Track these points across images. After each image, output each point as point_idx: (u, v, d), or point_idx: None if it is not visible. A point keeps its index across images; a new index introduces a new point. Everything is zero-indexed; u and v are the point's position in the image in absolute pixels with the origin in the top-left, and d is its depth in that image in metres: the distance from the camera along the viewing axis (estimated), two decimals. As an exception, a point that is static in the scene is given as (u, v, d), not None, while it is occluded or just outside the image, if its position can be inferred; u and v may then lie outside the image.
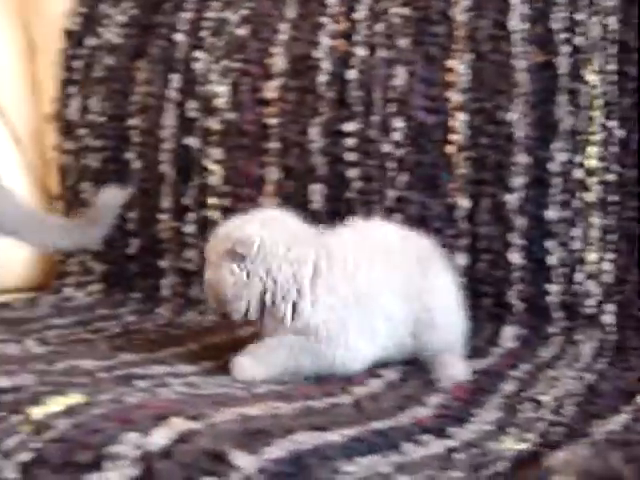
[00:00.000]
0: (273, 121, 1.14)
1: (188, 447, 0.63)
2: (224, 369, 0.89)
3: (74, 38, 1.27)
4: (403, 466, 0.65)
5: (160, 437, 0.64)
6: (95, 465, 0.62)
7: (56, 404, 0.70)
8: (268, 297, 0.86)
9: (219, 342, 1.01)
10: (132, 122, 1.21)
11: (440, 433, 0.74)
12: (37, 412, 0.68)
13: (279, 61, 1.15)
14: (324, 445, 0.65)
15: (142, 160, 1.20)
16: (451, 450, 0.71)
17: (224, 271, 0.85)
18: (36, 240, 1.09)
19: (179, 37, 1.21)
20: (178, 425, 0.66)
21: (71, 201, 1.24)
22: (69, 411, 0.69)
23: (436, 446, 0.71)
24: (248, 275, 0.85)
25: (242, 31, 1.18)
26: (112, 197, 1.08)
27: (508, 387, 0.87)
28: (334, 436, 0.68)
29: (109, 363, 0.90)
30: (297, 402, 0.79)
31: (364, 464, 0.64)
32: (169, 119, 1.19)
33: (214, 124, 1.17)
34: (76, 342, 0.98)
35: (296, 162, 1.12)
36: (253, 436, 0.65)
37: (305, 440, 0.66)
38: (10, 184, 1.14)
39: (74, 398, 0.71)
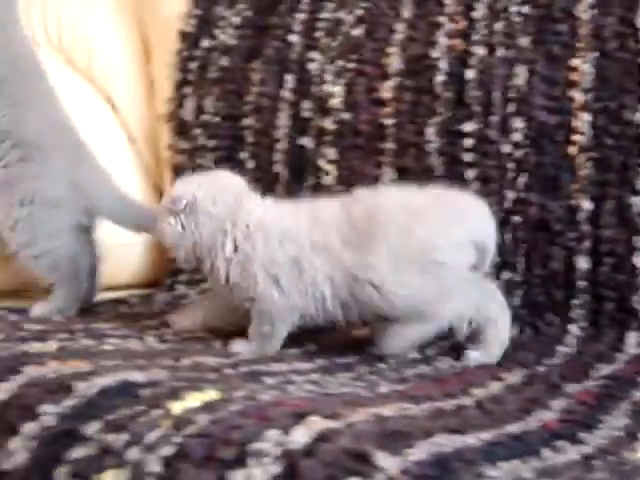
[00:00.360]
0: (389, 121, 1.14)
1: (330, 446, 0.63)
2: (342, 367, 0.91)
3: (189, 39, 1.29)
4: (545, 472, 0.64)
5: (301, 435, 0.64)
6: (238, 461, 0.63)
7: (194, 399, 0.71)
8: (198, 250, 0.97)
9: (334, 341, 1.02)
10: (246, 122, 1.22)
11: (572, 439, 0.73)
12: (176, 407, 0.70)
13: (395, 61, 1.15)
14: (465, 448, 0.64)
15: (256, 160, 1.21)
16: (587, 457, 0.70)
17: (163, 223, 0.98)
18: (130, 224, 1.13)
19: (294, 38, 1.22)
20: (317, 424, 0.66)
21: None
22: (207, 407, 0.70)
23: (572, 452, 0.70)
24: (183, 227, 0.97)
25: (357, 31, 1.18)
26: None
27: (638, 394, 0.85)
28: (472, 439, 0.67)
29: (230, 360, 0.91)
30: (424, 403, 0.78)
31: (506, 469, 0.64)
32: (283, 119, 1.20)
33: (329, 124, 1.17)
34: (191, 339, 0.99)
35: (412, 162, 1.11)
36: (392, 437, 0.65)
37: (445, 443, 0.65)
38: (117, 176, 1.19)
39: (209, 394, 0.72)
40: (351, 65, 1.17)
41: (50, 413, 0.71)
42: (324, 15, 1.21)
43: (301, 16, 1.22)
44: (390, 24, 1.16)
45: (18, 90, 1.08)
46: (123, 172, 1.32)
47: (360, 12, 1.19)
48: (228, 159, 1.23)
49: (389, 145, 1.13)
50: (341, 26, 1.19)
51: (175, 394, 0.71)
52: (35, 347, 0.87)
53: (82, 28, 1.40)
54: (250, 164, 1.21)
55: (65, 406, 0.72)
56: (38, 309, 1.07)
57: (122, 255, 1.28)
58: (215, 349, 0.95)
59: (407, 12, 1.16)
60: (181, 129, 1.26)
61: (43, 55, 1.38)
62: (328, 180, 1.16)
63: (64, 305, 1.08)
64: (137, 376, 0.77)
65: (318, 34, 1.20)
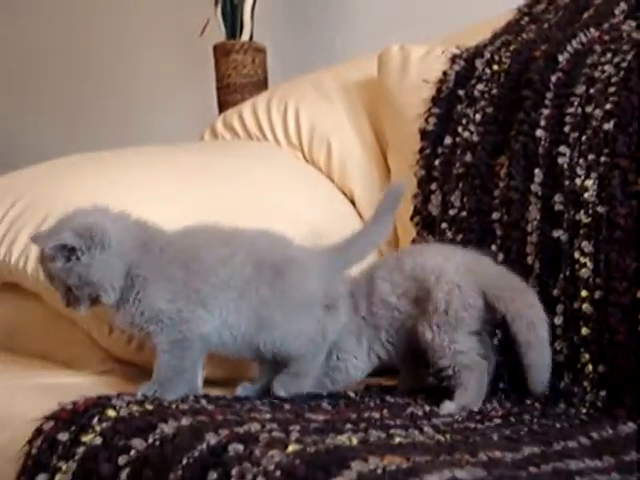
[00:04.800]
0: (648, 214, 1.15)
1: None
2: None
3: (431, 137, 1.33)
4: None
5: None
6: None
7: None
8: None
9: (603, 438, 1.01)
10: (495, 216, 1.25)
11: None
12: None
13: (651, 154, 1.16)
14: None
15: (506, 252, 1.23)
16: None
17: None
18: None
19: (540, 133, 1.24)
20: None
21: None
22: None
23: None
24: None
25: (608, 125, 1.20)
26: None
27: None
28: None
29: (519, 455, 0.92)
30: None
31: None
32: (534, 212, 1.22)
33: (583, 217, 1.18)
34: (461, 431, 1.01)
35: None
36: None
37: None
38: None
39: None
40: (604, 159, 1.19)
41: (394, 511, 0.74)
42: (571, 110, 1.24)
43: (547, 111, 1.25)
44: (643, 118, 1.18)
45: None
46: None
47: (609, 106, 1.21)
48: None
49: (651, 238, 1.14)
50: (590, 120, 1.22)
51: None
52: (340, 440, 0.90)
53: (320, 126, 1.47)
54: (500, 257, 1.23)
55: (406, 504, 0.74)
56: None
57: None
58: (493, 441, 0.96)
59: (661, 103, 1.17)
60: (428, 224, 1.30)
61: (284, 153, 1.49)
62: (585, 273, 1.17)
63: None
64: (461, 474, 0.79)
65: (566, 129, 1.23)
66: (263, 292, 1.10)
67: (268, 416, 0.99)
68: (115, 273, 1.07)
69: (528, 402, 1.16)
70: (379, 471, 0.79)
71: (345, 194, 1.45)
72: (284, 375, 1.12)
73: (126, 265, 1.07)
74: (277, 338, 1.11)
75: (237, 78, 1.84)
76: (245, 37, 1.88)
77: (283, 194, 1.39)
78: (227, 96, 1.84)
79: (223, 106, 1.83)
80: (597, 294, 1.16)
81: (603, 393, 1.14)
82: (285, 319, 1.11)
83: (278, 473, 0.82)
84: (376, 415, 1.05)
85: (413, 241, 1.33)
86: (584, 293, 1.17)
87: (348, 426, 0.99)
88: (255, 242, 1.12)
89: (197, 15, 1.92)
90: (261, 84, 1.86)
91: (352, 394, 1.16)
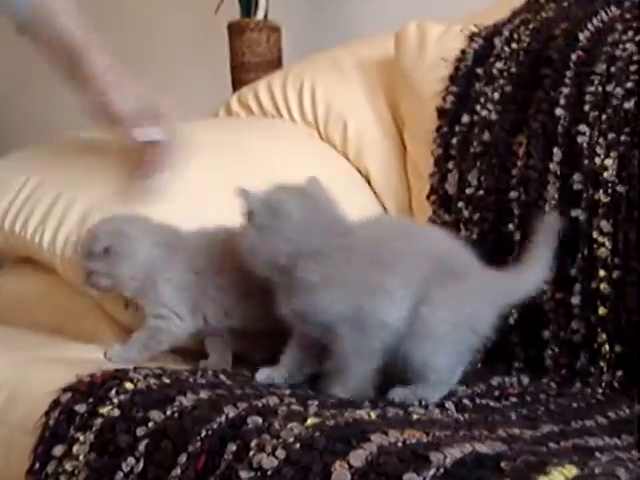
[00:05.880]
0: (667, 193, 1.14)
1: None
2: None
3: (449, 116, 1.32)
4: None
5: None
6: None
7: (558, 474, 0.71)
8: None
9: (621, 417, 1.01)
10: (512, 195, 1.24)
11: None
12: (545, 481, 0.70)
13: (671, 133, 1.15)
14: None
15: (523, 232, 1.22)
16: None
17: None
18: None
19: (560, 111, 1.23)
20: None
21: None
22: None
23: None
24: None
25: (628, 104, 1.19)
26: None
27: None
28: None
29: (538, 432, 0.92)
30: None
31: None
32: (552, 191, 1.21)
33: (602, 196, 1.18)
34: (481, 409, 1.01)
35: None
36: None
37: None
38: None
39: (570, 470, 0.73)
40: (624, 138, 1.18)
41: (416, 483, 0.73)
42: (591, 89, 1.23)
43: (566, 90, 1.24)
44: (664, 97, 1.17)
45: None
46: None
47: (630, 85, 1.20)
48: (494, 231, 1.25)
49: (670, 218, 1.13)
50: (611, 99, 1.21)
51: (538, 468, 0.72)
52: (359, 414, 0.90)
53: (336, 105, 1.46)
54: (517, 236, 1.22)
55: (427, 476, 0.74)
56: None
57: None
58: (511, 420, 0.96)
59: (683, 84, 1.17)
60: (444, 202, 1.29)
61: (300, 131, 1.48)
62: (603, 252, 1.16)
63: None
64: (482, 448, 0.78)
65: (586, 107, 1.22)
66: (433, 291, 1.02)
67: (287, 391, 0.99)
68: None
69: (544, 381, 1.16)
70: (399, 444, 0.79)
71: (361, 172, 1.44)
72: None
73: None
74: (428, 348, 1.02)
75: (251, 57, 1.82)
76: (260, 15, 1.87)
77: (297, 172, 1.38)
78: (241, 75, 1.82)
79: (237, 85, 1.82)
80: (615, 274, 1.15)
81: (620, 373, 1.13)
82: (442, 329, 1.02)
83: (297, 445, 0.82)
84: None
85: (430, 220, 1.33)
86: (602, 273, 1.16)
87: (366, 403, 0.98)
88: (434, 240, 1.07)
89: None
90: (275, 63, 1.84)
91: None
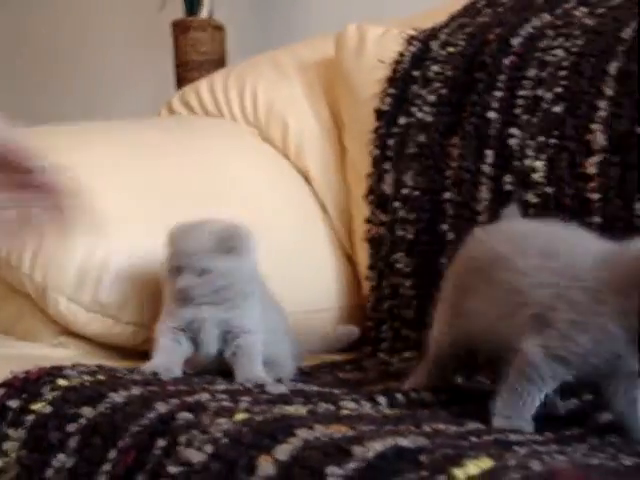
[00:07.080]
0: (594, 196, 1.17)
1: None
2: (572, 438, 0.93)
3: (386, 117, 1.35)
4: None
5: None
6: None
7: (473, 467, 0.74)
8: None
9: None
10: (446, 195, 1.27)
11: None
12: (459, 473, 0.73)
13: (599, 137, 1.19)
14: None
15: (456, 232, 1.25)
16: None
17: None
18: None
19: (492, 115, 1.27)
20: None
21: (383, 271, 1.31)
22: (487, 475, 0.73)
23: None
24: None
25: (557, 108, 1.23)
26: None
27: None
28: None
29: (463, 428, 0.94)
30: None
31: None
32: (484, 192, 1.25)
33: (531, 197, 1.21)
34: (413, 405, 1.03)
35: (620, 237, 1.14)
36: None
37: None
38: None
39: (485, 462, 0.75)
40: (553, 141, 1.22)
41: (337, 475, 0.75)
42: (522, 93, 1.26)
43: (499, 94, 1.27)
44: (592, 101, 1.20)
45: None
46: (316, 243, 1.40)
47: (559, 90, 1.24)
48: (428, 231, 1.28)
49: (595, 219, 1.17)
50: (541, 103, 1.24)
51: (454, 460, 0.75)
52: (288, 410, 0.92)
53: (277, 105, 1.48)
54: (450, 236, 1.26)
55: (348, 469, 0.76)
56: None
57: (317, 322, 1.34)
58: (441, 416, 0.99)
59: (609, 90, 1.20)
60: (381, 202, 1.32)
61: (241, 131, 1.50)
62: (532, 252, 1.20)
63: None
64: (404, 442, 0.81)
65: (517, 111, 1.25)
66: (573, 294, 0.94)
67: (221, 387, 1.01)
68: None
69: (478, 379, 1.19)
70: (324, 439, 0.81)
71: (301, 172, 1.46)
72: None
73: None
74: None
75: (195, 56, 1.84)
76: (204, 14, 1.88)
77: (239, 172, 1.40)
78: (186, 73, 1.83)
79: (181, 84, 1.83)
80: (544, 272, 1.20)
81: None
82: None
83: (226, 440, 0.84)
84: (334, 391, 1.06)
85: (367, 220, 1.35)
86: (531, 271, 1.21)
87: (299, 399, 1.00)
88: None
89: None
90: (219, 62, 1.85)
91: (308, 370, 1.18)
